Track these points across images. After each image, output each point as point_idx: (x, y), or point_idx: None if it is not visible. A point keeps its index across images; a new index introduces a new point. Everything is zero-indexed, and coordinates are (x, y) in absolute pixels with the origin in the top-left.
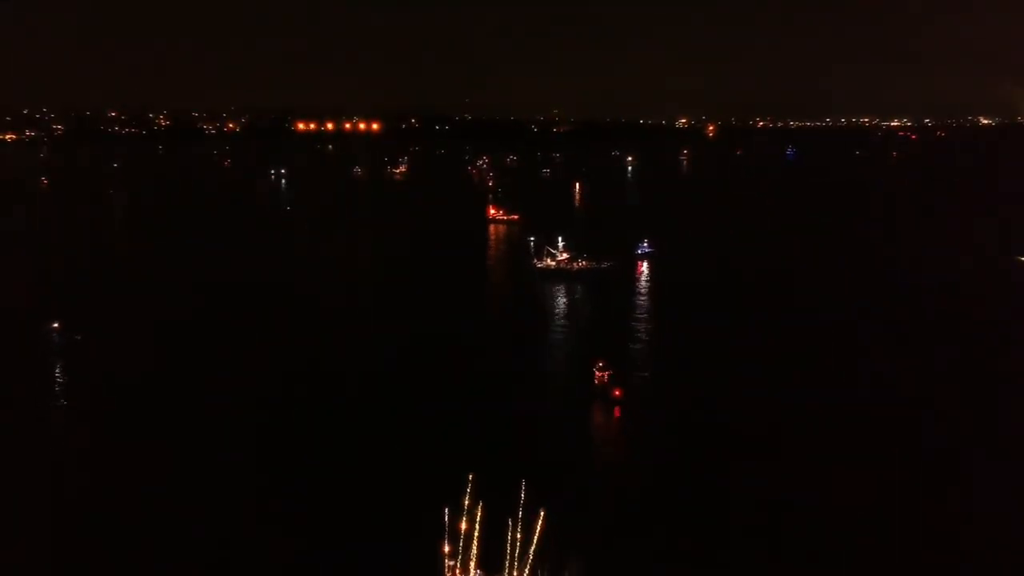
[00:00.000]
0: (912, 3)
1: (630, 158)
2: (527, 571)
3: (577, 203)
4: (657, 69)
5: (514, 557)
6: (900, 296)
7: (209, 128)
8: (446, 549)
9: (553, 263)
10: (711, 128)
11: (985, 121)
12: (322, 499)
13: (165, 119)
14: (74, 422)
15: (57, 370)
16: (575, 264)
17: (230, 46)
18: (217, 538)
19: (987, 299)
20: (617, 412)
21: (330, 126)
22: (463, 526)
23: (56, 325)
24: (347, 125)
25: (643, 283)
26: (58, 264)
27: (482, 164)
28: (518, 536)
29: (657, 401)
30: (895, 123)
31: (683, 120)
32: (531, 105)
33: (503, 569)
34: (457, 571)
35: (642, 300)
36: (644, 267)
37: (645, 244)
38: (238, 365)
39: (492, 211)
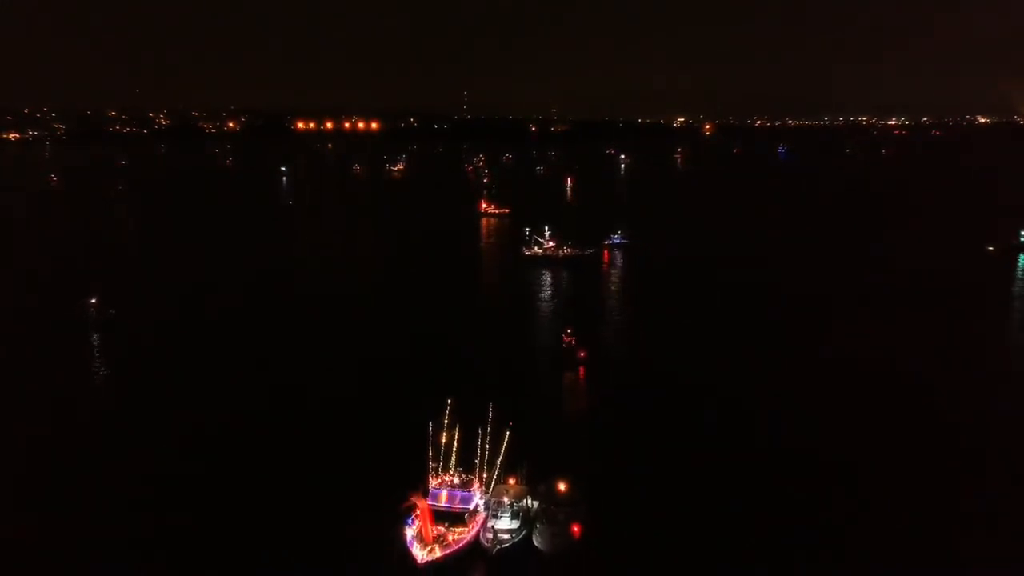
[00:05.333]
0: (912, 2)
1: (623, 156)
2: (495, 473)
3: (568, 198)
4: (656, 69)
5: (483, 462)
6: (869, 281)
7: (209, 127)
8: (430, 454)
9: (540, 251)
10: (708, 127)
11: (983, 120)
12: (334, 422)
13: (165, 118)
14: (104, 385)
15: (95, 338)
16: (560, 252)
17: (230, 46)
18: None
19: (954, 285)
20: (582, 371)
21: (329, 125)
22: (443, 438)
23: (93, 301)
24: (346, 124)
25: (616, 269)
26: (90, 250)
27: (478, 162)
28: (487, 447)
29: (615, 360)
30: (892, 122)
31: (681, 119)
32: (529, 105)
33: (475, 470)
34: (439, 471)
35: (613, 283)
36: (616, 255)
37: (618, 235)
38: (248, 331)
39: (484, 205)
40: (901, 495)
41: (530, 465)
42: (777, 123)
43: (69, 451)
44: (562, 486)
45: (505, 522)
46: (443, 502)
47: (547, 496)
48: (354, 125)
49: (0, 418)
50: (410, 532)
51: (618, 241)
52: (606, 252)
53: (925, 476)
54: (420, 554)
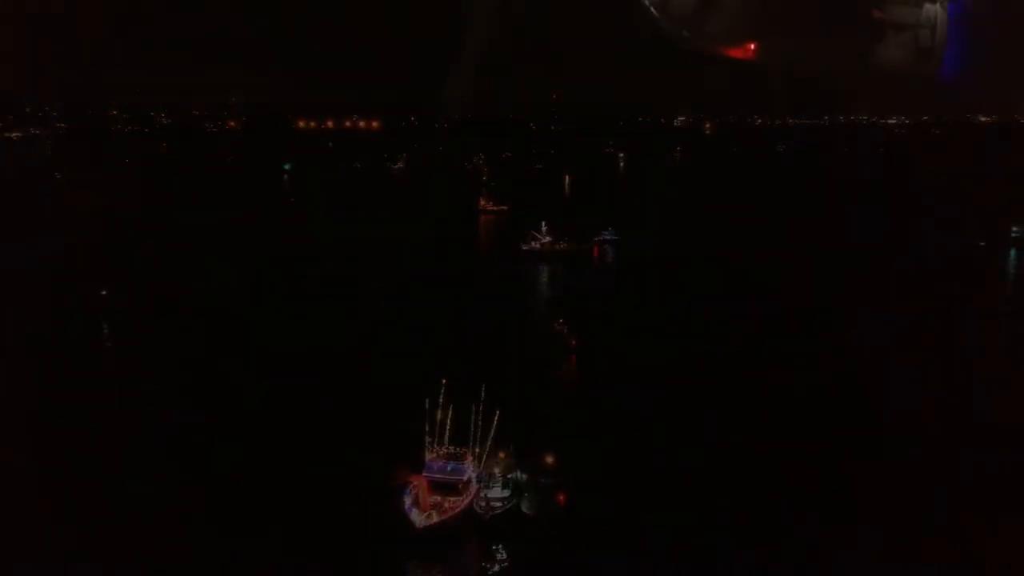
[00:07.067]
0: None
1: (621, 155)
2: (487, 447)
3: (565, 194)
4: (657, 67)
5: (476, 437)
6: (860, 275)
7: (210, 126)
8: (426, 430)
9: (537, 245)
10: (708, 126)
11: (983, 119)
12: (337, 400)
13: (166, 117)
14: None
15: (104, 327)
16: (557, 246)
17: (230, 45)
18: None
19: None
20: (573, 358)
21: (330, 124)
22: (439, 416)
23: (104, 292)
24: (347, 123)
25: (606, 263)
26: (97, 244)
27: (478, 160)
28: (479, 423)
29: (603, 348)
30: (892, 121)
31: (681, 118)
32: (530, 103)
33: (468, 445)
34: (434, 445)
35: (603, 276)
36: (607, 251)
37: (608, 232)
38: (252, 318)
39: (483, 202)
40: (888, 489)
41: (519, 440)
42: (777, 123)
43: (75, 444)
44: (549, 459)
45: (496, 491)
46: (438, 473)
47: (535, 468)
48: (355, 124)
49: (10, 408)
50: (408, 500)
51: (608, 237)
52: (596, 248)
53: (915, 470)
54: (418, 519)
